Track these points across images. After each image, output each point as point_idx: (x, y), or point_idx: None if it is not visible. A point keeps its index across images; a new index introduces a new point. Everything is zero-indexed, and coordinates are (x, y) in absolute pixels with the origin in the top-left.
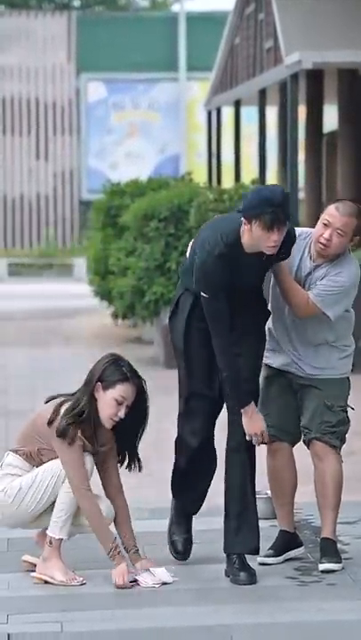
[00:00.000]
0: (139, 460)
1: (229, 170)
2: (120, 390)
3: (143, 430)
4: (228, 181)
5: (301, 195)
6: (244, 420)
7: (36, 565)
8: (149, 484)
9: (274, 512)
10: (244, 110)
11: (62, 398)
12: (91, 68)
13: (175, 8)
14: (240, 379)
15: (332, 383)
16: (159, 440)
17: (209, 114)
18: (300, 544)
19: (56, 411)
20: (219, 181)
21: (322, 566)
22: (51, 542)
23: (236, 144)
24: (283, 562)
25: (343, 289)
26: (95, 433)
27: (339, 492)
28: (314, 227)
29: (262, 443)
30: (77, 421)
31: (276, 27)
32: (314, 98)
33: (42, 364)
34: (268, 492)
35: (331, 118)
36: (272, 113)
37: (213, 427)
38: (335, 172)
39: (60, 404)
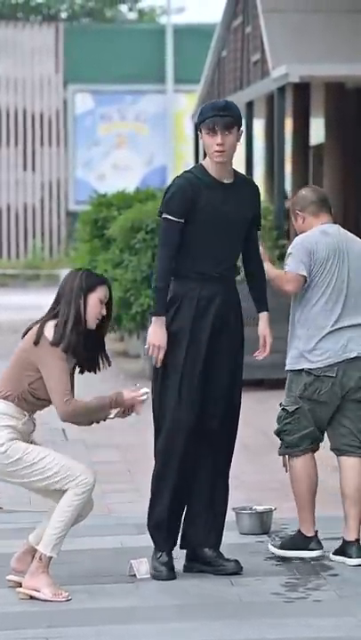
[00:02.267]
0: (107, 355)
1: None
2: (101, 291)
3: (109, 325)
4: None
5: (288, 206)
6: (151, 329)
7: (21, 584)
8: (137, 498)
9: (260, 527)
10: None
11: (38, 323)
12: (78, 79)
13: (162, 20)
14: (167, 291)
15: None
16: (146, 457)
17: (196, 126)
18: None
19: (40, 332)
20: None
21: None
22: (40, 559)
23: None
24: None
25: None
26: (84, 339)
27: None
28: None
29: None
30: (79, 331)
31: (263, 40)
32: (301, 111)
33: None
34: (257, 507)
35: (317, 131)
36: (259, 125)
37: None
38: (322, 185)
39: (43, 325)
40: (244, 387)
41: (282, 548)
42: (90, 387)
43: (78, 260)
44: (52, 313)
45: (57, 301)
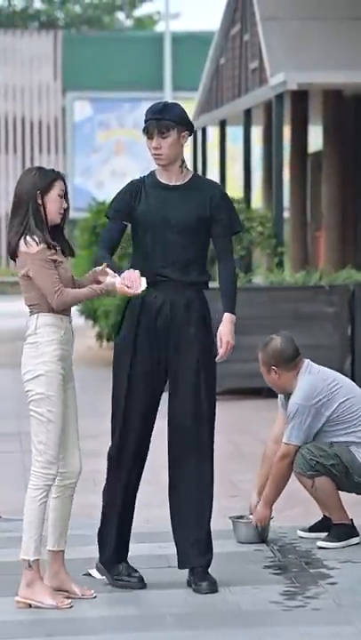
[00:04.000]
0: (70, 244)
1: None
2: (58, 186)
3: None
4: None
5: (286, 214)
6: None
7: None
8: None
9: (258, 536)
10: (229, 130)
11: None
12: (77, 86)
13: (161, 27)
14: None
15: None
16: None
17: (194, 133)
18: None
19: (15, 247)
20: None
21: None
22: (30, 566)
23: (222, 163)
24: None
25: (296, 410)
26: (52, 235)
27: None
28: (297, 245)
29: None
30: (44, 228)
31: (261, 47)
32: (299, 118)
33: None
34: (251, 516)
35: (315, 138)
36: (257, 133)
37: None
38: (320, 192)
39: (16, 236)
40: (243, 395)
41: (339, 540)
42: (90, 387)
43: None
44: (18, 223)
45: (17, 206)
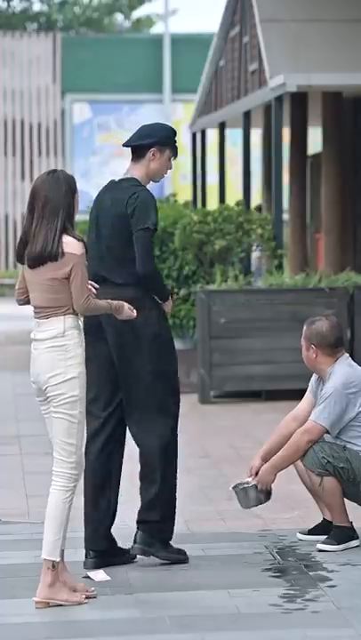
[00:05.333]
0: None
1: (214, 191)
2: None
3: None
4: (212, 203)
5: (286, 216)
6: (168, 305)
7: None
8: (126, 508)
9: (257, 499)
10: (228, 132)
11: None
12: (76, 89)
13: (159, 29)
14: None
15: None
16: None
17: (193, 136)
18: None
19: (59, 248)
20: (203, 203)
21: None
22: (54, 566)
23: (221, 166)
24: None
25: (331, 393)
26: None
27: None
28: (297, 248)
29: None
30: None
31: (260, 49)
32: (298, 120)
33: (25, 389)
34: (249, 479)
35: (315, 140)
36: (257, 135)
37: None
38: (319, 194)
39: (57, 243)
40: (242, 398)
41: (339, 543)
42: None
43: None
44: (54, 226)
45: (52, 209)
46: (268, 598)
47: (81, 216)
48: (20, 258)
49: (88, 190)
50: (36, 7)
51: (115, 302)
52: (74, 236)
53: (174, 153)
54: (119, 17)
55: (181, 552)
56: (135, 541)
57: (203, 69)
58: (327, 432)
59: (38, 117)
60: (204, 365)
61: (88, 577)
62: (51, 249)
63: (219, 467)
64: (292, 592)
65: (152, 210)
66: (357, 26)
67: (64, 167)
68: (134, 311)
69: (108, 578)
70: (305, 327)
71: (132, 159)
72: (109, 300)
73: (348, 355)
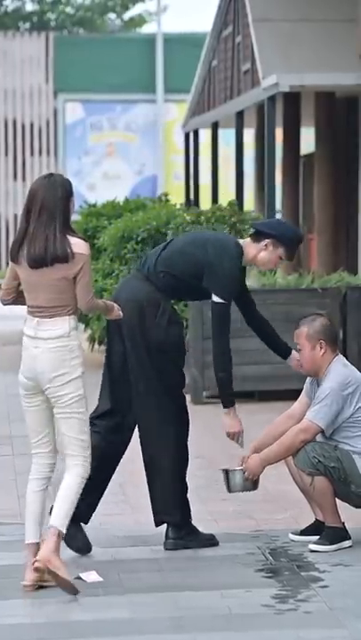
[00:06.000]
0: None
1: (207, 191)
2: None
3: None
4: (205, 203)
5: (279, 216)
6: (227, 420)
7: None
8: (127, 511)
9: (243, 485)
10: (221, 132)
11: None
12: (68, 88)
13: (152, 29)
14: (231, 380)
15: None
16: (137, 470)
17: (187, 135)
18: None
19: (68, 249)
20: (196, 203)
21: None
22: (59, 535)
23: (214, 166)
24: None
25: (328, 393)
26: None
27: None
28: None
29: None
30: None
31: (253, 49)
32: (291, 120)
33: (17, 389)
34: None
35: (308, 140)
36: (249, 135)
37: None
38: (312, 194)
39: (65, 244)
40: (235, 398)
41: (331, 543)
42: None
43: None
44: (55, 228)
45: (50, 213)
46: (261, 599)
47: (74, 216)
48: (14, 258)
49: (79, 190)
50: (29, 7)
51: (109, 302)
52: (79, 237)
53: (287, 255)
54: (112, 16)
55: (212, 537)
56: (167, 537)
57: (195, 69)
58: (322, 432)
59: (31, 117)
60: (197, 366)
61: (80, 578)
62: (58, 250)
63: (211, 467)
64: (284, 593)
65: (225, 280)
66: (350, 25)
67: (56, 167)
68: (120, 312)
69: (101, 579)
70: (304, 328)
71: (252, 239)
72: (105, 300)
73: (341, 355)
